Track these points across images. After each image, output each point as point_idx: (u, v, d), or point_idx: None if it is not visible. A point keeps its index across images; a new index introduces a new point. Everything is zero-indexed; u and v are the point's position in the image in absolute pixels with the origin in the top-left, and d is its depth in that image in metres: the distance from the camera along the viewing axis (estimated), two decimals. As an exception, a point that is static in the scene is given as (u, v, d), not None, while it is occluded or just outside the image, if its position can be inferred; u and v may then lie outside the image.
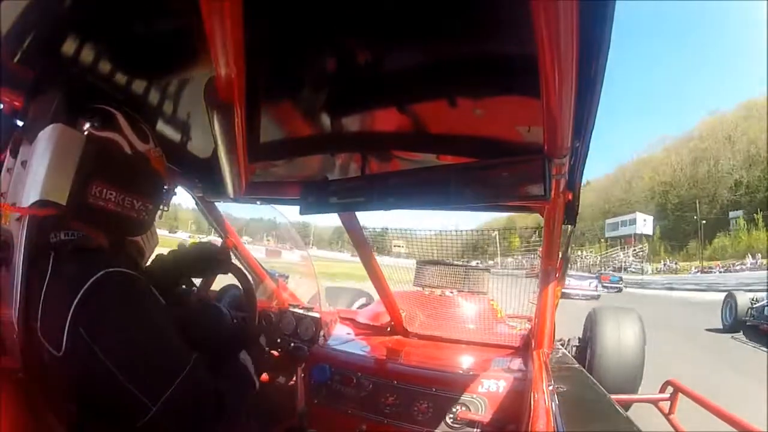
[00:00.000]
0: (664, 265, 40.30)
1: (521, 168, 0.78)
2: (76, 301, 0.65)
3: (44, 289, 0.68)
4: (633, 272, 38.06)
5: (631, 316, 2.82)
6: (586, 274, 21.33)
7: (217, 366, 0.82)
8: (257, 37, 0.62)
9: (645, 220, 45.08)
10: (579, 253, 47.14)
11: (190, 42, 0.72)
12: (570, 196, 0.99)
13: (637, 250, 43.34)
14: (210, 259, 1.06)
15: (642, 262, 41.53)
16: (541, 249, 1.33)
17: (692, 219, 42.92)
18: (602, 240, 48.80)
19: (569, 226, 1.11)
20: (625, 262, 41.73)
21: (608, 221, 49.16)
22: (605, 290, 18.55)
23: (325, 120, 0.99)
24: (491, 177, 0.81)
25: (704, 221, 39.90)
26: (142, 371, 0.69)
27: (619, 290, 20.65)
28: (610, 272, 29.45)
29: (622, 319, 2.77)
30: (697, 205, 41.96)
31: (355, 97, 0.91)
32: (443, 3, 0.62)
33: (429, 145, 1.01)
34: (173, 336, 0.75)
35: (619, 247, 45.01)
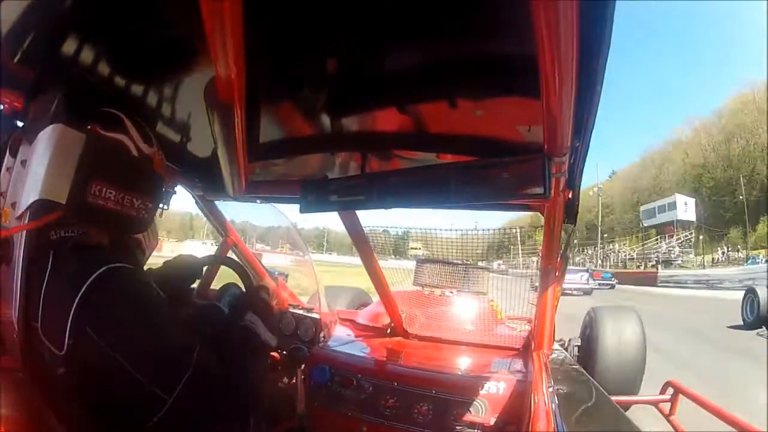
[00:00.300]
0: (723, 254, 31.97)
1: (521, 167, 0.78)
2: (78, 298, 0.65)
3: (44, 287, 0.68)
4: (683, 266, 30.84)
5: (631, 315, 2.81)
6: (577, 268, 20.97)
7: (222, 358, 0.83)
8: (257, 37, 0.62)
9: (686, 204, 36.91)
10: (611, 247, 41.81)
11: (190, 42, 0.72)
12: (570, 195, 0.99)
13: (683, 239, 35.07)
14: (187, 272, 1.13)
15: (691, 253, 33.59)
16: (540, 248, 1.33)
17: (731, 204, 36.27)
18: (638, 232, 41.21)
19: (570, 225, 1.11)
20: (669, 254, 33.99)
21: (643, 208, 41.69)
22: (597, 287, 18.36)
23: (325, 119, 0.99)
24: (491, 176, 0.81)
25: (741, 201, 33.47)
26: (153, 364, 0.69)
27: (612, 287, 20.51)
28: (602, 269, 27.22)
29: (622, 319, 2.76)
30: (741, 184, 34.64)
31: (355, 97, 0.91)
32: (443, 3, 0.62)
33: (429, 145, 1.01)
34: (177, 328, 0.76)
35: (657, 237, 37.35)
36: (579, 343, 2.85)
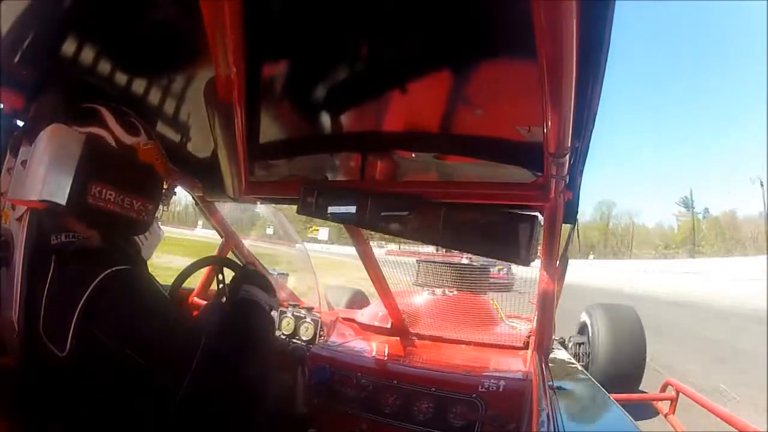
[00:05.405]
0: None
1: (515, 226, 0.83)
2: (82, 302, 0.66)
3: (47, 291, 0.68)
4: None
5: (629, 313, 2.81)
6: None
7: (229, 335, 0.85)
8: (257, 37, 0.63)
9: None
10: None
11: (190, 42, 0.72)
12: (570, 196, 0.99)
13: None
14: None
15: None
16: (540, 248, 1.33)
17: None
18: None
19: (569, 225, 1.11)
20: None
21: None
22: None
23: (325, 120, 0.99)
24: (484, 225, 0.87)
25: None
26: (166, 352, 0.71)
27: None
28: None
29: (620, 316, 2.76)
30: None
31: (355, 97, 0.91)
32: (443, 3, 0.62)
33: (428, 145, 1.01)
34: (184, 317, 0.80)
35: None
36: (578, 341, 2.85)
